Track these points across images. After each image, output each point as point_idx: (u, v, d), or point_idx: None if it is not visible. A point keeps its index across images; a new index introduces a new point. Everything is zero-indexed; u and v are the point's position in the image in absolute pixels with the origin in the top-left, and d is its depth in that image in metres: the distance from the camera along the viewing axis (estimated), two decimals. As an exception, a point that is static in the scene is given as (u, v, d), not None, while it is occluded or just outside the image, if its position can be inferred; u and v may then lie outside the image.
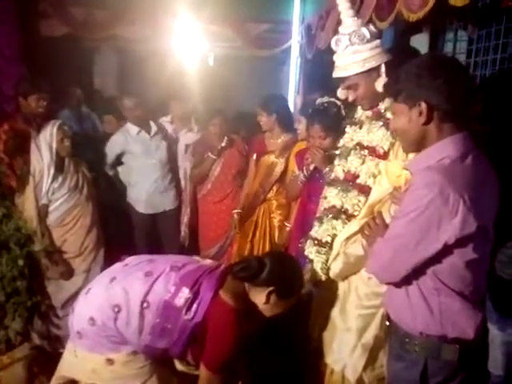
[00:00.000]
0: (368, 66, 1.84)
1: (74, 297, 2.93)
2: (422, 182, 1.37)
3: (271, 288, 1.78)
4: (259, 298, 1.81)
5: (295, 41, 4.66)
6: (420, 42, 3.74)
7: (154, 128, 3.58)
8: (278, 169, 3.16)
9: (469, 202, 1.31)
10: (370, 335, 1.94)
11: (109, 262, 3.10)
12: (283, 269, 1.84)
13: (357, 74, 1.86)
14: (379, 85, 1.84)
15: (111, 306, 1.73)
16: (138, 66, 5.03)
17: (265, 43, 4.79)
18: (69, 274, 2.94)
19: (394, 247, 1.44)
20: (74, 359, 1.83)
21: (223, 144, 3.38)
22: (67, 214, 2.92)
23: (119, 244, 3.21)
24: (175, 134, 3.80)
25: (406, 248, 1.40)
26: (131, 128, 3.53)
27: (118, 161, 3.57)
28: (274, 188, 3.20)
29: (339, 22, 3.48)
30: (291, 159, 3.05)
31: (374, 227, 1.68)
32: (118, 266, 1.94)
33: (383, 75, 1.83)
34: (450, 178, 1.33)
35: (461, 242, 1.35)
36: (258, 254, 3.02)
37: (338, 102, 2.32)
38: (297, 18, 4.63)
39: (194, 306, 1.72)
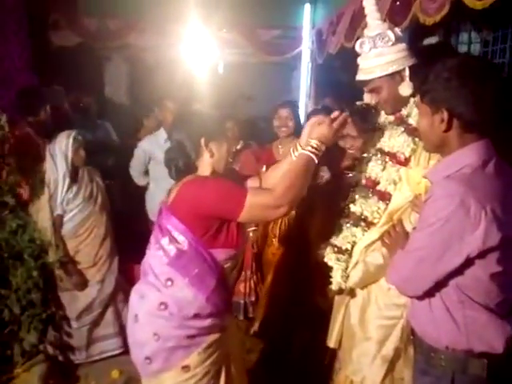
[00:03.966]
0: (391, 69, 1.80)
1: (88, 307, 2.94)
2: (442, 193, 1.34)
3: (202, 140, 1.73)
4: (205, 160, 1.76)
5: (306, 46, 4.65)
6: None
7: None
8: None
9: (491, 213, 1.27)
10: (390, 347, 1.89)
11: (123, 271, 3.10)
12: (187, 123, 1.78)
13: (380, 77, 1.82)
14: (402, 89, 1.81)
15: (158, 309, 1.73)
16: (148, 74, 5.04)
17: (276, 49, 4.78)
18: (83, 284, 2.92)
19: (416, 260, 1.40)
20: None
21: (238, 147, 3.34)
22: (81, 224, 2.90)
23: (134, 253, 3.18)
24: None
25: (427, 261, 1.37)
26: (161, 134, 3.46)
27: (145, 167, 3.55)
28: None
29: (351, 27, 3.53)
30: None
31: (395, 235, 1.66)
32: (136, 286, 1.91)
33: (407, 79, 1.80)
34: (471, 189, 1.29)
35: (484, 255, 1.31)
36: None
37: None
38: (307, 23, 4.63)
39: (176, 234, 1.70)
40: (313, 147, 1.69)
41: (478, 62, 1.50)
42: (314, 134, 1.72)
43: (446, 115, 1.36)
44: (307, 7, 4.63)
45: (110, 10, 4.37)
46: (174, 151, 1.78)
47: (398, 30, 1.85)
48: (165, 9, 4.24)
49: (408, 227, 1.70)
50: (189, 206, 1.68)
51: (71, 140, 2.85)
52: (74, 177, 2.89)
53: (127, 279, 3.04)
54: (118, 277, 3.05)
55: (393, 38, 1.79)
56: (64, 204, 2.84)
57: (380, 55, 1.81)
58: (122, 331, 2.96)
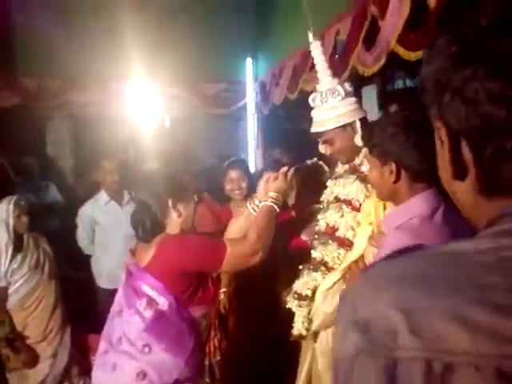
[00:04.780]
0: (342, 121, 1.89)
1: (40, 387, 2.69)
2: (392, 245, 1.36)
3: (170, 201, 1.75)
4: (173, 219, 1.77)
5: (250, 99, 4.78)
6: (370, 93, 3.92)
7: (126, 197, 3.36)
8: None
9: None
10: None
11: (76, 341, 2.89)
12: (152, 186, 1.81)
13: (332, 129, 1.91)
14: (357, 139, 1.89)
15: (136, 379, 1.63)
16: (92, 131, 4.96)
17: (221, 102, 4.86)
18: (33, 361, 2.68)
19: None
20: None
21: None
22: (28, 296, 2.69)
23: (85, 322, 2.99)
24: None
25: None
26: (101, 197, 3.35)
27: (93, 232, 3.36)
28: None
29: (293, 79, 3.67)
30: None
31: (356, 271, 1.69)
32: (101, 360, 1.78)
33: (358, 131, 1.89)
34: (418, 241, 1.33)
35: None
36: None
37: (325, 167, 2.34)
38: (250, 76, 4.78)
39: (155, 295, 1.67)
40: (273, 198, 1.82)
41: (420, 114, 1.59)
42: (270, 188, 1.85)
43: (394, 167, 1.42)
44: (249, 61, 4.79)
45: (50, 69, 4.29)
46: (140, 212, 1.77)
47: (347, 85, 1.95)
48: (106, 66, 4.23)
49: (368, 262, 1.73)
50: (171, 265, 1.68)
51: (12, 206, 2.69)
52: (17, 245, 2.71)
53: (80, 350, 2.84)
54: (71, 349, 2.84)
55: (342, 92, 1.89)
56: (8, 275, 2.63)
57: (331, 109, 1.91)
58: (77, 408, 2.75)
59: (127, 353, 1.67)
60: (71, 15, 4.16)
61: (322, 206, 2.09)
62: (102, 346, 1.78)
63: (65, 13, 4.16)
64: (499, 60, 0.48)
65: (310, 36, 2.00)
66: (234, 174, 2.87)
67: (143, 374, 1.63)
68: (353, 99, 1.93)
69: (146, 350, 1.65)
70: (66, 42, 4.12)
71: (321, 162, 2.17)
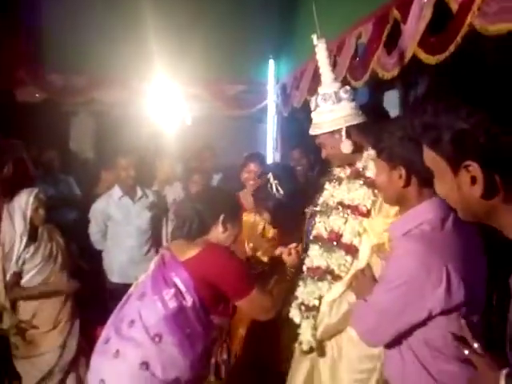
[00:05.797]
0: (329, 128, 1.88)
1: (48, 375, 2.74)
2: (403, 251, 1.36)
3: (222, 216, 1.87)
4: (217, 232, 1.88)
5: (271, 100, 4.77)
6: (392, 97, 3.86)
7: (139, 193, 3.47)
8: (260, 227, 3.10)
9: (453, 271, 1.28)
10: None
11: (84, 335, 2.92)
12: (214, 196, 1.96)
13: (321, 134, 1.91)
14: (343, 147, 1.87)
15: (139, 368, 1.65)
16: (115, 128, 5.02)
17: (241, 103, 4.87)
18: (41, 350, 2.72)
19: (377, 312, 1.42)
20: None
21: None
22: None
23: (94, 315, 3.01)
24: (160, 196, 3.71)
25: (388, 314, 1.38)
26: (116, 192, 3.44)
27: (106, 227, 3.45)
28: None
29: (314, 82, 3.64)
30: None
31: (362, 279, 1.66)
32: (103, 347, 1.79)
33: (344, 138, 1.86)
34: (431, 247, 1.31)
35: (448, 312, 1.31)
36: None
37: (272, 180, 2.43)
38: (272, 78, 4.78)
39: (183, 290, 1.73)
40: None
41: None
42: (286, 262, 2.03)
43: (403, 172, 1.40)
44: (271, 63, 4.79)
45: (76, 67, 4.38)
46: (191, 213, 1.87)
47: (343, 90, 1.89)
48: (130, 65, 4.31)
49: (376, 272, 1.68)
50: (208, 272, 1.76)
51: (32, 198, 2.76)
52: (32, 236, 2.77)
53: (88, 341, 2.86)
54: (80, 340, 2.88)
55: (334, 98, 1.87)
56: (20, 263, 2.70)
57: (324, 113, 1.90)
58: (83, 398, 2.77)
59: (134, 340, 1.68)
60: (97, 13, 4.22)
61: (318, 209, 2.04)
62: (105, 333, 1.80)
63: (91, 11, 4.23)
64: None
65: (315, 39, 1.98)
66: (252, 165, 3.08)
67: (146, 365, 1.65)
68: (348, 105, 1.88)
69: (157, 339, 1.67)
70: (92, 39, 4.20)
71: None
